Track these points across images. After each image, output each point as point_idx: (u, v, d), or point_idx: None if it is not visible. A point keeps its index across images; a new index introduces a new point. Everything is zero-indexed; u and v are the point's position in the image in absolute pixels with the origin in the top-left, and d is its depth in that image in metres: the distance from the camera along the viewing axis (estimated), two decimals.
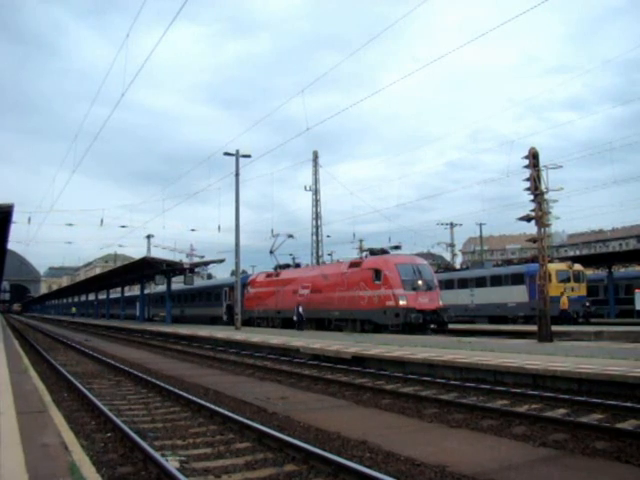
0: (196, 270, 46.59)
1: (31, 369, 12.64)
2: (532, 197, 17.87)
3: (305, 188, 45.76)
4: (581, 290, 30.41)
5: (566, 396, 9.07)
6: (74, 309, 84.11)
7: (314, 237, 45.57)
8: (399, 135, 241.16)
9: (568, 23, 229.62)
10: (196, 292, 47.12)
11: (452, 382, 11.03)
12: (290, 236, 37.32)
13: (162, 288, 48.32)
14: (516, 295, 30.98)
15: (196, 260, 47.15)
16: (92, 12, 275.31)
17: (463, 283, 35.89)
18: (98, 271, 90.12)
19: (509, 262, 38.45)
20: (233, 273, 36.89)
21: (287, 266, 36.09)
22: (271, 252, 36.66)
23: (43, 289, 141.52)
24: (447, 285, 34.62)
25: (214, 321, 40.85)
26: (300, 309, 29.46)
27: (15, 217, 20.52)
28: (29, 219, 35.07)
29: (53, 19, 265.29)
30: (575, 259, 34.08)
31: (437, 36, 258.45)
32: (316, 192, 45.55)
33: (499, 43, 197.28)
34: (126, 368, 14.42)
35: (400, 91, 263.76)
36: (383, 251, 27.92)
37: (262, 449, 6.38)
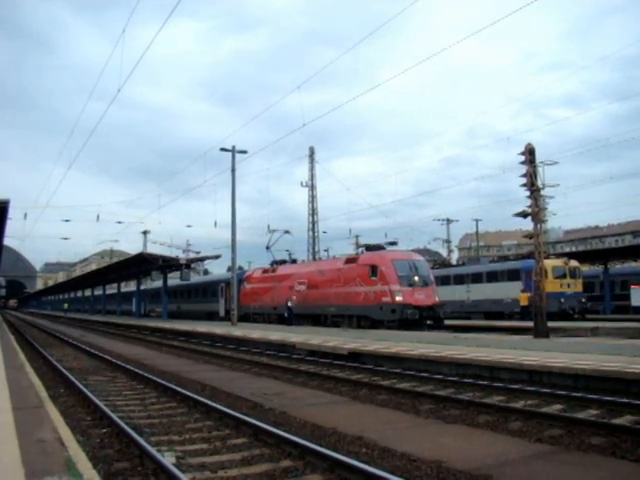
0: (192, 266, 46.54)
1: (27, 365, 12.62)
2: (528, 193, 17.89)
3: (302, 184, 45.79)
4: (577, 286, 30.50)
5: (562, 392, 9.11)
6: (66, 305, 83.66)
7: (310, 233, 45.63)
8: (396, 131, 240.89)
9: (565, 20, 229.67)
10: (192, 288, 47.06)
11: (448, 378, 11.06)
12: (286, 232, 37.33)
13: (158, 284, 48.32)
14: (512, 291, 31.03)
15: (192, 256, 47.04)
16: (90, 8, 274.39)
17: (459, 279, 35.95)
18: (94, 267, 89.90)
19: (505, 258, 38.58)
20: (229, 269, 36.87)
21: (283, 262, 36.03)
22: (267, 248, 36.71)
23: (39, 285, 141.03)
24: (443, 281, 34.64)
25: (210, 317, 40.83)
26: (289, 303, 29.58)
27: (11, 213, 20.50)
28: (25, 215, 34.85)
29: (52, 15, 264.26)
30: (571, 255, 34.19)
31: (435, 33, 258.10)
32: (312, 188, 45.56)
33: (496, 40, 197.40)
34: (122, 364, 14.40)
35: (398, 87, 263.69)
36: (379, 247, 27.92)
37: (258, 445, 6.38)
